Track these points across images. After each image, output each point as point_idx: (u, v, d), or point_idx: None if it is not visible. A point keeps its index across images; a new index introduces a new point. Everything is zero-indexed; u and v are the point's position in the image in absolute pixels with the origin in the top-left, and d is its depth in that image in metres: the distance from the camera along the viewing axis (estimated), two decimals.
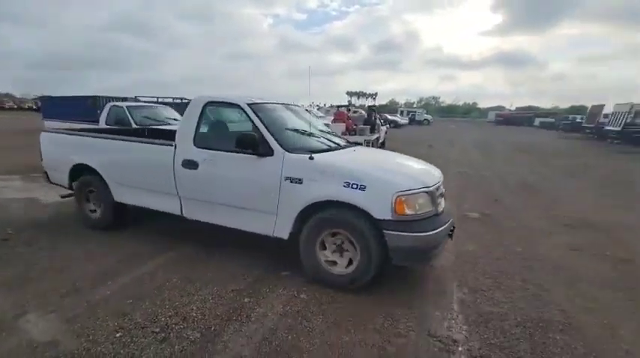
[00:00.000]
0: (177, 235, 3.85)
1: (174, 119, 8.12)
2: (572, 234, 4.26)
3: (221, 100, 3.39)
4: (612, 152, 13.83)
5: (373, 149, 3.91)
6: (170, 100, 11.11)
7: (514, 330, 2.31)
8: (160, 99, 11.27)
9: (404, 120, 35.10)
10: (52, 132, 4.43)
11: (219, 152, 3.11)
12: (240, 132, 2.92)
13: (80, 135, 4.14)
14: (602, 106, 19.88)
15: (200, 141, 3.21)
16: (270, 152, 2.87)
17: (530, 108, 73.90)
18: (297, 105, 4.08)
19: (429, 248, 2.58)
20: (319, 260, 2.81)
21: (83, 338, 2.16)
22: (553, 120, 37.45)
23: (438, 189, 2.84)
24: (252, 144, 2.86)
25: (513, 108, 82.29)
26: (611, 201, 5.98)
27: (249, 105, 3.13)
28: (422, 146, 14.31)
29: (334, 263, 2.78)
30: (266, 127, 2.98)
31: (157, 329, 2.24)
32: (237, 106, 3.18)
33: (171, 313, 2.43)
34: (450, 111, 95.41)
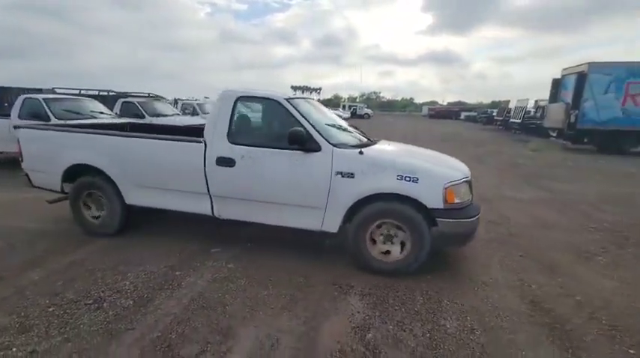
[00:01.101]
0: None
1: (101, 112, 7.77)
2: None
3: (254, 95, 3.30)
4: (514, 141, 16.22)
5: (402, 144, 3.95)
6: (96, 93, 10.42)
7: (401, 282, 2.95)
8: (83, 92, 10.51)
9: (346, 114, 36.48)
10: (37, 128, 3.82)
11: (259, 148, 3.02)
12: (291, 129, 2.86)
13: (81, 132, 3.67)
14: (508, 102, 23.11)
15: (235, 138, 3.09)
16: (317, 147, 2.89)
17: (459, 103, 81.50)
18: (314, 99, 4.09)
19: (471, 232, 2.87)
20: (369, 250, 2.92)
21: (15, 315, 2.31)
22: (475, 114, 41.84)
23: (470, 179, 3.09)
24: (302, 140, 2.85)
25: (445, 103, 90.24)
26: (502, 180, 7.25)
27: (287, 100, 3.11)
28: None
29: (388, 252, 2.93)
30: (309, 123, 2.98)
31: (90, 302, 2.47)
32: (275, 101, 3.13)
33: (104, 289, 2.65)
34: (389, 106, 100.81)
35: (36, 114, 6.66)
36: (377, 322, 2.32)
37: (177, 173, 3.26)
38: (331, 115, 3.74)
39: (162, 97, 13.23)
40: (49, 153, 3.62)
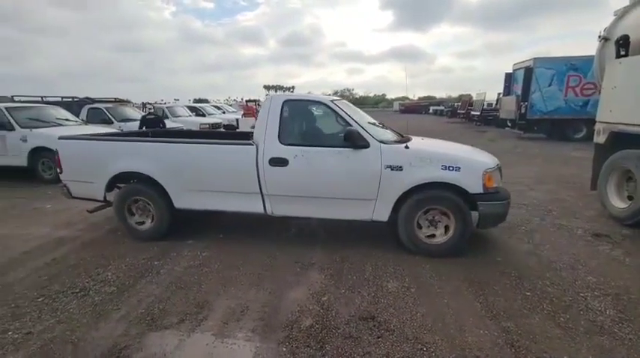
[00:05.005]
0: (85, 223, 4.17)
1: (66, 119, 7.75)
2: None
3: (301, 99, 3.64)
4: (474, 131, 17.32)
5: (431, 139, 4.15)
6: (59, 99, 10.21)
7: (355, 257, 3.42)
8: (45, 99, 10.26)
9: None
10: (80, 138, 3.87)
11: (310, 148, 3.25)
12: (347, 128, 3.16)
13: (130, 140, 3.82)
14: (469, 96, 24.54)
15: (286, 139, 3.31)
16: (366, 144, 3.16)
17: (429, 97, 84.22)
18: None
19: (507, 211, 3.22)
20: (418, 235, 3.23)
21: (6, 307, 2.55)
22: (443, 107, 43.61)
23: None
24: (355, 138, 3.11)
25: (416, 97, 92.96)
26: None
27: (332, 102, 3.40)
28: None
29: (432, 236, 3.24)
30: (356, 122, 3.26)
31: (77, 290, 2.76)
32: (322, 104, 3.43)
33: (88, 280, 2.93)
34: (362, 102, 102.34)
35: None
36: (332, 288, 2.76)
37: (229, 175, 3.41)
38: (365, 115, 3.98)
39: (129, 101, 13.09)
40: (93, 162, 3.66)
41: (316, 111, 3.62)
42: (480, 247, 3.49)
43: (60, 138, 3.85)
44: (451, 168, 3.07)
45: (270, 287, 2.80)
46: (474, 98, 22.24)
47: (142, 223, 3.75)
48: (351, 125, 3.23)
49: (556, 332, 2.21)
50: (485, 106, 20.09)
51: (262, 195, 3.41)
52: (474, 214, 3.15)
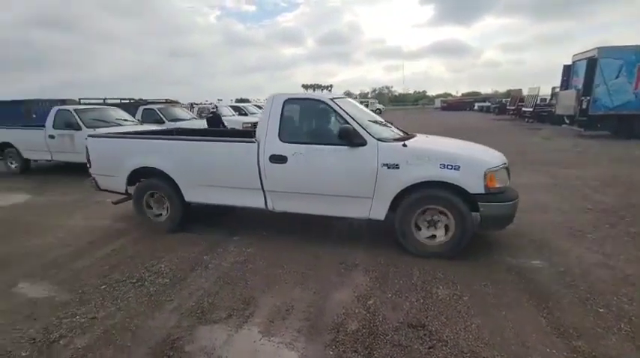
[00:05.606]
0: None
1: (125, 119, 8.36)
2: None
3: (302, 97, 3.75)
4: (526, 129, 16.11)
5: (438, 136, 4.13)
6: (118, 101, 11.12)
7: (400, 260, 3.28)
8: (106, 101, 11.24)
9: None
10: (105, 136, 4.31)
11: (308, 145, 3.31)
12: (341, 125, 3.16)
13: (146, 138, 4.17)
14: (520, 91, 22.86)
15: (285, 136, 3.37)
16: (363, 142, 3.14)
17: (473, 93, 79.97)
18: (348, 97, 4.34)
19: (512, 213, 3.08)
20: (415, 235, 3.16)
21: (74, 292, 2.78)
22: (489, 104, 41.14)
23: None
24: (351, 136, 3.11)
25: (459, 94, 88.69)
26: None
27: (332, 100, 3.43)
28: None
29: (431, 236, 3.16)
30: (354, 120, 3.25)
31: (134, 280, 2.93)
32: (322, 102, 3.46)
33: (144, 270, 3.11)
34: (402, 100, 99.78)
35: (68, 124, 7.29)
36: (378, 292, 2.67)
37: (233, 171, 3.56)
38: (370, 113, 3.97)
39: (178, 102, 13.88)
40: (116, 158, 3.98)
41: (317, 109, 3.63)
42: (540, 255, 3.20)
43: (89, 136, 4.22)
44: (450, 167, 2.96)
45: (315, 287, 2.77)
46: (526, 93, 20.66)
47: (160, 215, 4.02)
48: (348, 122, 3.17)
49: (637, 356, 1.94)
50: (538, 102, 18.58)
51: (264, 191, 3.49)
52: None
